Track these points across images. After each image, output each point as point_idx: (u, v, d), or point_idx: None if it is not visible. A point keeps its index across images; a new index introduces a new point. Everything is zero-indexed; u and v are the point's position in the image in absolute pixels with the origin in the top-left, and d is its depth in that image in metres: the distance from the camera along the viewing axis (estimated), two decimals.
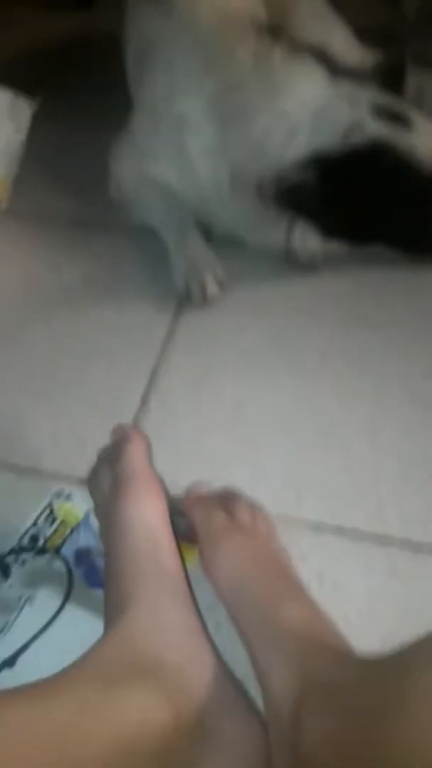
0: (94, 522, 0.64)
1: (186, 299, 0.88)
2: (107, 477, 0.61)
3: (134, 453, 0.60)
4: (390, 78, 0.90)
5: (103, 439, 0.72)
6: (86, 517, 0.65)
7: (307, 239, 0.89)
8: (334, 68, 0.89)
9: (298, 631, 0.50)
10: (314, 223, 0.86)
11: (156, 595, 0.50)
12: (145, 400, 0.79)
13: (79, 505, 0.66)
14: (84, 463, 0.65)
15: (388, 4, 1.41)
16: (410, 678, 0.35)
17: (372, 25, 1.35)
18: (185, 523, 0.63)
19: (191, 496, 0.66)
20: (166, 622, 0.48)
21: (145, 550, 0.54)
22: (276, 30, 0.94)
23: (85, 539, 0.64)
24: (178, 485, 0.69)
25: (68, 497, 0.67)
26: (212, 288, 0.87)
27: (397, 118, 0.82)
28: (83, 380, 0.82)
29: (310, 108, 0.82)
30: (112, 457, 0.63)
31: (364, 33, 1.25)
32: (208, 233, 0.96)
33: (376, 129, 0.80)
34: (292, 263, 0.93)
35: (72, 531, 0.65)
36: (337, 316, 0.88)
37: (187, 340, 0.85)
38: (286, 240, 0.90)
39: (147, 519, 0.56)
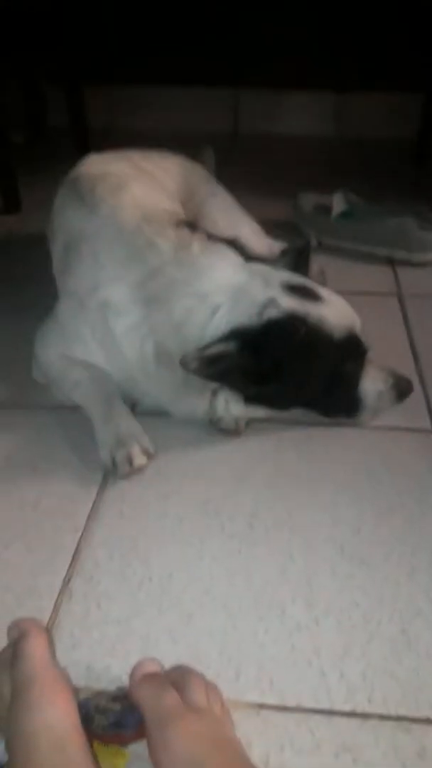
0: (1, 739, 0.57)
1: (112, 472, 0.87)
2: (7, 683, 0.54)
3: (33, 651, 0.54)
4: (296, 261, 0.99)
5: None
6: None
7: (230, 406, 0.92)
8: (246, 255, 0.98)
9: None
10: (236, 392, 0.89)
11: None
12: (66, 583, 0.74)
13: None
14: None
15: (288, 201, 1.59)
16: None
17: (276, 219, 1.52)
18: (115, 717, 0.57)
19: (137, 674, 0.59)
20: None
21: (52, 762, 0.48)
22: (192, 224, 1.03)
23: None
24: (105, 676, 0.64)
25: None
26: (138, 458, 0.87)
27: (306, 294, 0.89)
28: None
29: (228, 289, 0.88)
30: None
31: (270, 226, 1.40)
32: (134, 406, 0.98)
33: (288, 303, 0.86)
34: (216, 429, 0.95)
35: None
36: (263, 476, 0.89)
37: (112, 514, 0.83)
38: (210, 408, 0.92)
39: (52, 724, 0.50)
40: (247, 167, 1.86)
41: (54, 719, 0.50)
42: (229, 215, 1.34)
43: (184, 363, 0.82)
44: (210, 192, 1.35)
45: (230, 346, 0.83)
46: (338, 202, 1.49)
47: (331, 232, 1.50)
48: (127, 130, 2.08)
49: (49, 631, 0.59)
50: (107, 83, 2.09)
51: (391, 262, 1.45)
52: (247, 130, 2.18)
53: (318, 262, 1.38)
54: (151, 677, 0.58)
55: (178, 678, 0.58)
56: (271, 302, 0.86)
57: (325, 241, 1.50)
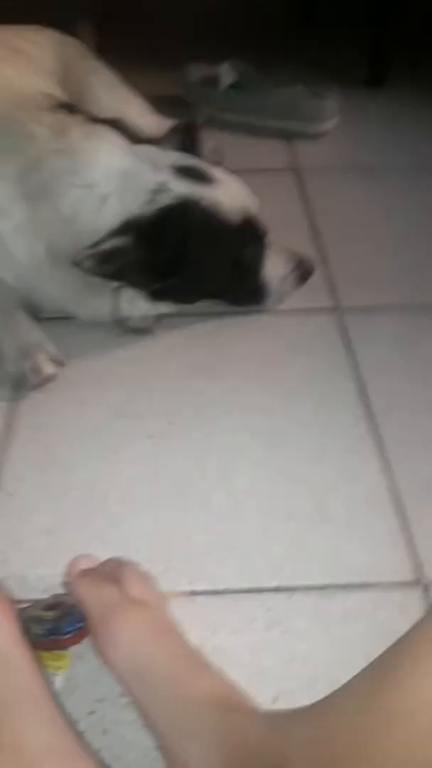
0: None
1: (21, 384, 0.85)
2: None
3: None
4: (185, 140, 0.94)
5: None
6: None
7: (135, 303, 0.90)
8: (132, 136, 0.92)
9: (215, 702, 0.48)
10: (138, 287, 0.87)
11: (16, 726, 0.45)
12: None
13: None
14: None
15: (175, 74, 1.49)
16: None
17: (164, 94, 1.43)
18: (51, 624, 0.59)
19: (74, 571, 0.60)
20: (34, 755, 0.43)
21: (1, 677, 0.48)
22: (71, 106, 0.95)
23: None
24: (40, 586, 0.65)
25: None
26: (47, 367, 0.84)
27: (198, 176, 0.85)
28: None
29: (114, 176, 0.83)
30: None
31: (157, 102, 1.32)
32: (37, 313, 0.93)
33: (181, 188, 0.83)
34: (124, 329, 0.93)
35: None
36: (176, 372, 0.89)
37: (27, 427, 0.81)
38: (114, 308, 0.90)
39: None
40: (130, 39, 1.71)
41: None
42: (112, 93, 1.24)
43: (77, 262, 0.79)
44: (90, 68, 1.24)
45: (124, 240, 0.80)
46: (227, 73, 1.41)
47: (221, 106, 1.42)
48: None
49: None
50: None
51: (286, 135, 1.40)
52: (125, 2, 1.98)
53: (212, 139, 1.32)
54: (89, 573, 0.60)
55: (114, 571, 0.60)
56: (162, 187, 0.82)
57: (217, 116, 1.43)
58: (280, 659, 0.61)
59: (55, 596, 0.63)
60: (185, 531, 0.71)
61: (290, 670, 0.60)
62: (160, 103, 1.33)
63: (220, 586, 0.67)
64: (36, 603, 0.61)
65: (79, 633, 0.61)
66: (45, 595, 0.64)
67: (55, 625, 0.59)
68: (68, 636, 0.60)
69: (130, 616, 0.55)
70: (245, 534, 0.71)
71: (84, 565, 0.61)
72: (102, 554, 0.68)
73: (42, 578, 0.67)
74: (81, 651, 0.62)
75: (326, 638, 0.62)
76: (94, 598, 0.56)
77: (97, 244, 0.79)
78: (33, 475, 0.76)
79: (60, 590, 0.64)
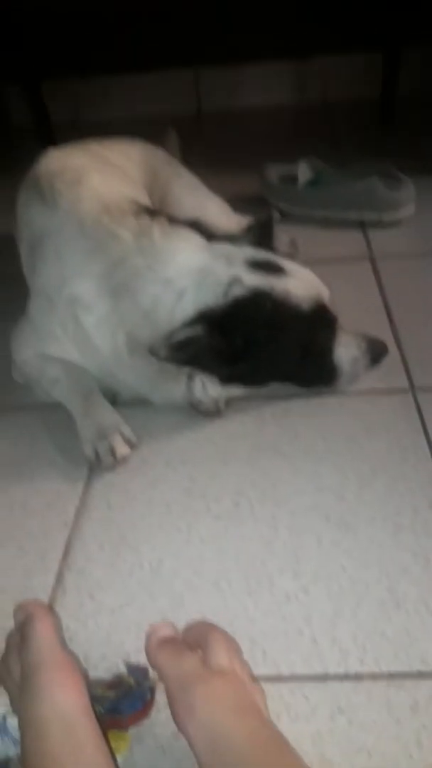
0: (12, 725, 0.59)
1: (96, 464, 0.88)
2: (17, 666, 0.55)
3: (40, 634, 0.54)
4: (260, 235, 0.99)
5: None
6: (2, 720, 0.60)
7: (207, 387, 0.93)
8: (209, 234, 0.98)
9: None
10: (210, 373, 0.90)
11: None
12: (59, 579, 0.76)
13: None
14: None
15: (255, 174, 1.58)
16: None
17: (244, 194, 1.52)
18: (111, 704, 0.59)
19: (152, 641, 0.57)
20: None
21: (65, 747, 0.48)
22: (153, 210, 1.03)
23: (3, 748, 0.58)
24: (102, 666, 0.66)
25: None
26: (121, 448, 0.88)
27: (270, 269, 0.90)
28: None
29: (191, 271, 0.88)
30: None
31: (238, 201, 1.40)
32: (114, 397, 0.99)
33: (252, 280, 0.87)
34: (196, 412, 0.96)
35: None
36: (245, 454, 0.90)
37: (100, 507, 0.84)
38: (188, 392, 0.93)
39: (63, 711, 0.50)
40: (212, 145, 1.85)
41: (63, 704, 0.50)
42: (194, 195, 1.33)
43: (153, 352, 0.83)
44: (174, 173, 1.34)
45: (197, 330, 0.84)
46: (303, 171, 1.48)
47: (299, 202, 1.49)
48: (93, 122, 2.06)
49: (55, 612, 0.59)
50: (69, 77, 2.08)
51: (361, 225, 1.44)
52: (210, 108, 2.15)
53: (289, 232, 1.38)
54: (168, 642, 0.57)
55: (198, 637, 0.57)
56: (235, 280, 0.86)
57: (295, 212, 1.50)
58: (346, 750, 0.58)
59: (117, 675, 0.63)
60: (251, 613, 0.70)
61: (355, 763, 0.57)
62: (241, 202, 1.41)
63: (285, 672, 0.65)
64: (98, 681, 0.62)
65: (140, 714, 0.61)
66: (107, 675, 0.64)
67: (115, 705, 0.59)
68: (129, 716, 0.60)
69: (211, 687, 0.51)
70: (312, 618, 0.69)
71: (164, 632, 0.58)
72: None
73: (104, 657, 0.68)
74: (141, 733, 0.61)
75: (395, 729, 0.59)
76: (173, 666, 0.54)
77: (171, 334, 0.84)
78: (102, 554, 0.78)
79: (122, 669, 0.64)
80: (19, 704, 0.53)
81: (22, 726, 0.52)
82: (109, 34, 1.88)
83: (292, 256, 1.31)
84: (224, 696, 0.51)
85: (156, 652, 0.56)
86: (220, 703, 0.51)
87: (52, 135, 1.97)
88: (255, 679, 0.57)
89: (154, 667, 0.56)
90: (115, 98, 2.13)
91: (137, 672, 0.64)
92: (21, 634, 0.56)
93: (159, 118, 1.86)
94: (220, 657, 0.54)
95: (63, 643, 0.57)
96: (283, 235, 1.35)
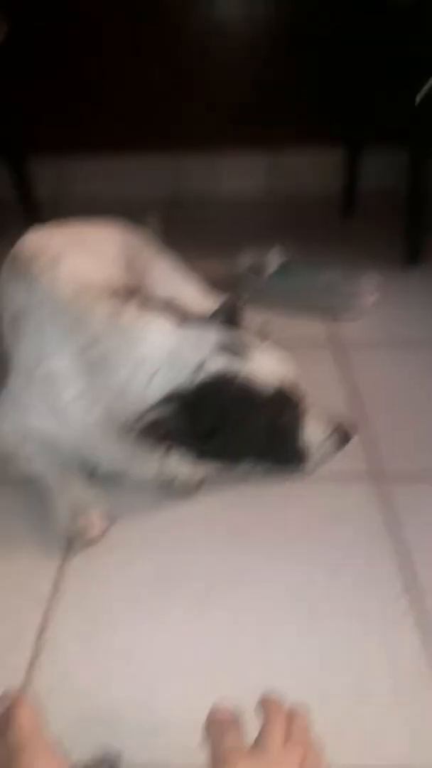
0: None
1: (72, 541, 0.89)
2: (2, 749, 0.56)
3: (22, 720, 0.56)
4: (229, 318, 1.04)
5: None
6: None
7: (180, 466, 0.95)
8: (182, 315, 1.02)
9: None
10: (181, 450, 0.93)
11: None
12: (34, 659, 0.76)
13: None
14: None
15: (229, 259, 1.66)
16: None
17: (219, 276, 1.58)
18: None
19: (210, 717, 0.59)
20: None
21: None
22: (129, 290, 1.07)
23: None
24: (77, 749, 0.65)
25: None
26: (97, 526, 0.89)
27: (238, 351, 0.94)
28: None
29: (161, 354, 0.92)
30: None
31: (214, 282, 1.46)
32: (93, 471, 1.00)
33: (219, 364, 0.91)
34: (171, 489, 0.98)
35: None
36: (218, 536, 0.92)
37: (75, 584, 0.85)
38: (162, 469, 0.95)
39: None
40: (189, 228, 1.92)
41: None
42: (171, 277, 1.39)
43: (124, 432, 0.86)
44: (152, 255, 1.40)
45: (165, 412, 0.87)
46: (272, 262, 1.55)
47: (264, 292, 1.56)
48: (76, 198, 2.13)
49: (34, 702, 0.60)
50: (54, 154, 2.16)
51: (329, 313, 1.51)
52: (188, 192, 2.26)
53: (261, 315, 1.43)
54: (224, 718, 0.59)
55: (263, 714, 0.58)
56: (202, 364, 0.90)
57: (261, 300, 1.55)
58: None
59: (93, 760, 0.63)
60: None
61: None
62: (217, 283, 1.47)
63: None
64: (84, 764, 0.62)
65: None
66: (81, 757, 0.64)
67: None
68: None
69: (240, 763, 0.53)
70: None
71: (221, 716, 0.59)
72: (136, 724, 0.69)
73: (78, 740, 0.67)
74: None
75: None
76: (215, 742, 0.56)
77: (140, 416, 0.87)
78: (77, 634, 0.78)
79: (98, 753, 0.64)
80: None
81: None
82: (94, 115, 1.98)
83: (263, 338, 1.36)
84: None
85: (208, 726, 0.58)
86: None
87: (36, 209, 2.03)
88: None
89: (205, 741, 0.58)
90: (97, 176, 2.22)
91: (110, 756, 0.64)
92: (5, 719, 0.57)
93: (140, 199, 1.94)
94: (270, 737, 0.56)
95: (44, 730, 0.57)
96: (255, 317, 1.40)
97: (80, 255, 1.17)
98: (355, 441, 1.03)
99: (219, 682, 0.73)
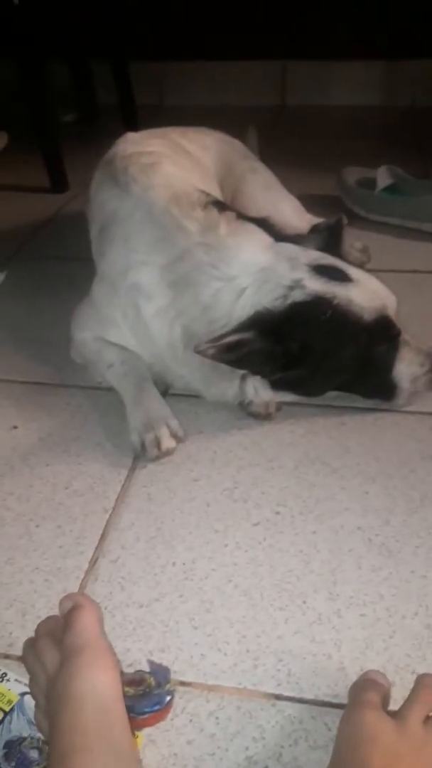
0: (29, 706, 0.59)
1: (141, 454, 0.88)
2: (49, 650, 0.57)
3: (87, 620, 0.56)
4: (328, 239, 0.96)
5: (46, 610, 0.69)
6: (20, 700, 0.60)
7: (259, 390, 0.91)
8: (276, 233, 0.95)
9: None
10: (261, 376, 0.88)
11: None
12: (93, 565, 0.76)
13: (13, 688, 0.61)
14: (24, 637, 0.61)
15: (334, 176, 1.55)
16: None
17: (320, 194, 1.49)
18: (126, 703, 0.58)
19: (364, 676, 0.59)
20: None
21: (97, 724, 0.50)
22: (223, 204, 1.01)
23: (18, 727, 0.58)
24: (125, 660, 0.65)
25: (2, 678, 0.62)
26: (167, 442, 0.87)
27: (336, 275, 0.87)
28: (28, 544, 0.79)
29: (254, 271, 0.86)
30: (55, 629, 0.59)
31: (315, 202, 1.37)
32: (167, 389, 0.98)
33: (315, 285, 0.84)
34: (247, 413, 0.94)
35: (3, 717, 0.59)
36: (292, 462, 0.88)
37: (140, 497, 0.84)
38: (239, 392, 0.92)
39: (100, 690, 0.52)
40: (293, 141, 1.82)
41: (102, 685, 0.52)
42: (267, 192, 1.31)
43: (200, 351, 0.82)
44: (249, 168, 1.32)
45: (247, 335, 0.82)
46: (382, 177, 1.44)
47: (376, 208, 1.45)
48: (176, 107, 2.06)
49: (99, 606, 0.61)
50: (155, 60, 2.07)
51: None
52: (295, 102, 2.12)
53: (362, 238, 1.35)
54: (372, 680, 0.58)
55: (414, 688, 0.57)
56: (297, 284, 0.84)
57: (369, 217, 1.46)
58: None
59: (139, 672, 0.62)
60: (279, 630, 0.68)
61: None
62: (316, 202, 1.38)
63: (308, 695, 0.63)
64: (125, 675, 0.61)
65: (155, 716, 0.60)
66: (129, 670, 0.63)
67: (131, 703, 0.58)
68: (143, 717, 0.59)
69: (366, 719, 0.53)
70: (343, 644, 0.67)
71: (373, 676, 0.58)
72: (191, 637, 0.68)
73: (128, 651, 0.67)
74: (154, 736, 0.60)
75: None
76: (355, 693, 0.57)
77: (220, 336, 0.82)
78: (138, 545, 0.78)
79: (145, 667, 0.63)
80: (53, 687, 0.54)
81: (58, 701, 0.52)
82: (198, 21, 1.86)
83: (363, 262, 1.28)
84: (374, 735, 0.52)
85: (356, 681, 0.59)
86: (359, 733, 0.53)
87: (135, 116, 1.98)
88: None
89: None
90: (200, 85, 2.12)
91: (159, 673, 0.63)
92: (66, 619, 0.57)
93: (242, 108, 1.84)
94: (413, 712, 0.54)
95: (104, 634, 0.58)
96: (356, 241, 1.31)
97: (177, 162, 1.11)
98: None
99: (278, 610, 0.70)
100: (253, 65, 2.04)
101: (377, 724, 0.52)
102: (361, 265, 1.26)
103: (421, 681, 0.58)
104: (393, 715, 0.54)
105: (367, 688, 0.56)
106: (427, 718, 0.54)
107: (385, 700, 0.57)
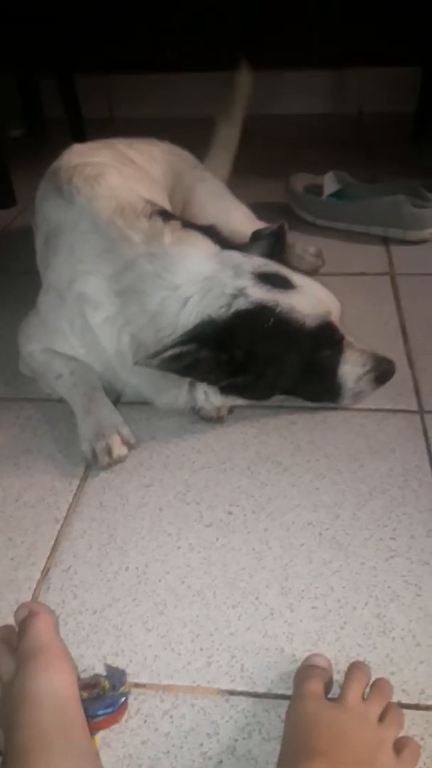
0: None
1: (93, 463, 0.88)
2: (3, 657, 0.58)
3: (42, 626, 0.58)
4: (272, 246, 0.98)
5: None
6: None
7: (210, 396, 0.92)
8: (223, 242, 0.97)
9: None
10: (208, 383, 0.90)
11: None
12: (45, 575, 0.75)
13: None
14: None
15: (281, 183, 1.57)
16: None
17: (271, 201, 1.51)
18: (83, 704, 0.58)
19: (304, 663, 0.62)
20: None
21: (55, 723, 0.51)
22: (168, 213, 1.02)
23: None
24: (80, 665, 0.65)
25: None
26: (118, 449, 0.88)
27: (279, 282, 0.88)
28: None
29: (198, 279, 0.87)
30: (10, 638, 0.61)
31: (264, 209, 1.39)
32: (117, 397, 0.99)
33: (258, 293, 0.86)
34: (199, 417, 0.95)
35: None
36: (244, 464, 0.89)
37: (92, 505, 0.84)
38: (190, 398, 0.92)
39: (58, 691, 0.53)
40: (244, 150, 1.84)
41: (59, 685, 0.54)
42: (217, 201, 1.32)
43: (143, 363, 0.82)
44: (198, 178, 1.34)
45: (190, 345, 0.83)
46: (329, 182, 1.47)
47: (324, 213, 1.48)
48: (127, 120, 2.07)
49: (53, 612, 0.63)
50: (103, 73, 2.08)
51: (385, 241, 1.43)
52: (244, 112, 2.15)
53: (314, 243, 1.37)
54: (313, 666, 0.61)
55: (352, 677, 0.60)
56: (240, 292, 0.85)
57: (319, 222, 1.49)
58: None
59: (95, 676, 0.63)
60: (232, 627, 0.69)
61: None
62: (266, 209, 1.40)
63: (261, 689, 0.64)
64: (81, 680, 0.61)
65: (109, 718, 0.60)
66: (84, 675, 0.64)
67: (86, 706, 0.58)
68: (97, 720, 0.59)
69: (308, 705, 0.56)
70: (294, 637, 0.68)
71: (315, 661, 0.62)
72: (144, 640, 0.68)
73: (83, 657, 0.67)
74: (109, 739, 0.60)
75: None
76: (298, 684, 0.60)
77: (161, 350, 0.83)
78: (90, 553, 0.78)
79: (101, 671, 0.63)
80: (11, 686, 0.55)
81: (15, 701, 0.53)
82: (145, 32, 1.88)
83: (318, 267, 1.30)
84: (314, 716, 0.56)
85: (298, 671, 0.62)
86: (302, 719, 0.56)
87: (83, 129, 1.98)
88: None
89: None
90: (150, 97, 2.14)
91: (115, 676, 0.63)
92: (21, 626, 0.59)
93: (193, 119, 1.86)
94: (351, 691, 0.58)
95: (60, 639, 0.60)
96: (309, 246, 1.33)
97: (122, 172, 1.12)
98: (401, 376, 0.98)
99: (231, 607, 0.71)
100: (203, 76, 2.06)
101: (319, 710, 0.55)
102: (315, 269, 1.30)
103: (353, 665, 0.62)
104: (333, 700, 0.57)
105: (308, 677, 0.59)
106: (363, 694, 0.58)
107: (328, 682, 0.60)
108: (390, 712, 0.58)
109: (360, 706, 0.57)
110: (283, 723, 0.58)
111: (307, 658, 0.62)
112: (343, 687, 0.59)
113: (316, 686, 0.58)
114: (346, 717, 0.55)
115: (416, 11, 1.80)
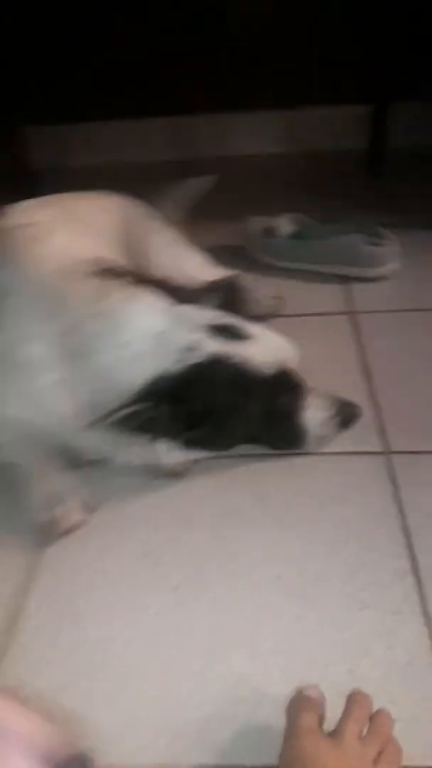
0: None
1: (48, 532, 0.85)
2: None
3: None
4: (227, 297, 0.98)
5: None
6: None
7: (169, 451, 0.90)
8: (176, 294, 0.96)
9: None
10: (167, 438, 0.87)
11: None
12: (1, 656, 0.72)
13: None
14: None
15: (237, 226, 1.58)
16: None
17: (229, 244, 1.52)
18: None
19: (296, 695, 0.60)
20: None
21: None
22: (119, 270, 1.01)
23: None
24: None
25: None
26: (75, 515, 0.85)
27: (233, 334, 0.88)
28: None
29: (148, 336, 0.86)
30: None
31: (220, 253, 1.39)
32: (74, 458, 0.95)
33: (212, 346, 0.85)
34: (159, 474, 0.93)
35: None
36: (207, 519, 0.86)
37: (49, 576, 0.80)
38: (148, 456, 0.90)
39: None
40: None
41: None
42: (172, 250, 1.32)
43: (106, 420, 0.81)
44: (151, 228, 1.33)
45: (144, 404, 0.81)
46: (284, 225, 1.48)
47: (282, 255, 1.49)
48: (78, 168, 2.08)
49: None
50: (51, 123, 2.09)
51: (344, 280, 1.43)
52: (196, 156, 2.17)
53: (271, 286, 1.37)
54: (307, 698, 0.60)
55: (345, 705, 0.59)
56: (194, 346, 0.84)
57: (278, 264, 1.49)
58: None
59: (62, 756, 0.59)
60: (200, 697, 0.66)
61: None
62: (224, 253, 1.40)
63: (233, 761, 0.61)
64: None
65: None
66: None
67: None
68: None
69: (306, 743, 0.55)
70: (267, 706, 0.65)
71: (308, 693, 0.60)
72: (105, 725, 0.64)
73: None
74: None
75: None
76: (292, 718, 0.59)
77: (123, 404, 0.81)
78: (49, 627, 0.74)
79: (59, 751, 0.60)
80: None
81: None
82: (97, 81, 1.89)
83: (277, 310, 1.30)
84: (313, 754, 0.54)
85: (290, 703, 0.60)
86: (302, 758, 0.54)
87: (33, 181, 1.97)
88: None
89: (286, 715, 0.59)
90: (101, 144, 2.15)
91: (79, 758, 0.59)
92: None
93: (149, 164, 1.88)
94: (348, 725, 0.57)
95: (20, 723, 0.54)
96: (267, 288, 1.33)
97: (70, 230, 1.11)
98: (365, 417, 0.97)
99: (197, 676, 0.68)
100: (153, 121, 2.08)
101: (316, 746, 0.54)
102: (275, 312, 1.29)
103: (352, 698, 0.60)
104: (330, 734, 0.56)
105: (302, 710, 0.58)
106: (361, 732, 0.57)
107: (322, 715, 0.59)
108: (387, 751, 0.57)
109: (357, 744, 0.56)
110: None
111: (299, 691, 0.60)
112: (341, 722, 0.57)
113: (311, 720, 0.57)
114: (345, 757, 0.54)
115: (367, 50, 1.85)
